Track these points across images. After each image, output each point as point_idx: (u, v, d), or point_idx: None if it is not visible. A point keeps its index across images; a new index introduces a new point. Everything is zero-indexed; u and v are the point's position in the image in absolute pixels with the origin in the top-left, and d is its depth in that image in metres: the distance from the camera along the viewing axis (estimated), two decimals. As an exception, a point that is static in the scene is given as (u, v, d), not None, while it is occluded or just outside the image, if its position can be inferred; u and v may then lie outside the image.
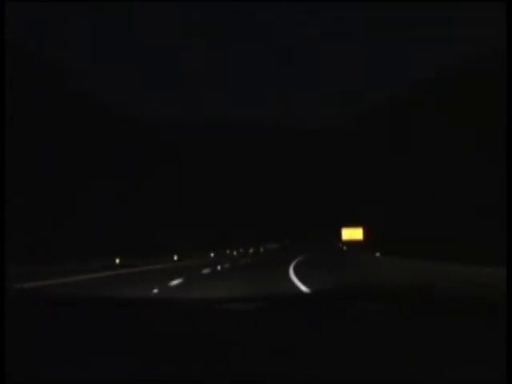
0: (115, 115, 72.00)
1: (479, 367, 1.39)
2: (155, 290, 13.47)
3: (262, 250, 71.47)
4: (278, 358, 1.48)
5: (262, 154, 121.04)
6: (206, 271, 23.64)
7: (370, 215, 56.65)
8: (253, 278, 18.36)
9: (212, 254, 50.57)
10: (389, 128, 54.46)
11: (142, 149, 74.33)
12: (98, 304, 2.33)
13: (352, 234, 57.12)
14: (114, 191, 57.51)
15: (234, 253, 59.14)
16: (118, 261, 33.76)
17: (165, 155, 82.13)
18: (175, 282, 16.51)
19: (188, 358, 1.50)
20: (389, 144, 54.92)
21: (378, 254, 30.32)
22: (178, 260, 41.27)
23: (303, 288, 13.84)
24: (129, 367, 1.44)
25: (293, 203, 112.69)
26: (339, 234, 59.41)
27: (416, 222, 40.83)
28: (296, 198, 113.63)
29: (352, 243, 53.70)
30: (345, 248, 51.10)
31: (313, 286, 13.86)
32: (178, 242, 51.37)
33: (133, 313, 2.15)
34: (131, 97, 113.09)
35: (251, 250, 66.02)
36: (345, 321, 1.90)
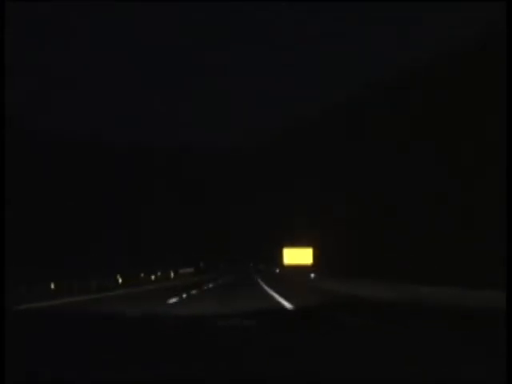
0: (115, 115, 72.15)
1: (479, 367, 1.39)
2: None
3: (172, 275, 49.15)
4: (278, 358, 1.48)
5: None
6: None
7: (322, 233, 41.36)
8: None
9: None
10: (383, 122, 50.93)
11: (141, 149, 74.46)
12: (97, 317, 2.34)
13: (298, 256, 41.13)
14: (113, 192, 57.57)
15: (120, 280, 33.24)
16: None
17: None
18: None
19: (188, 358, 1.50)
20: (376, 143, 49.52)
21: None
22: None
23: None
24: (129, 367, 1.44)
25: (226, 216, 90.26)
26: (279, 256, 43.65)
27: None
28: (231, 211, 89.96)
29: (297, 268, 39.31)
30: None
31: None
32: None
33: (133, 325, 2.16)
34: (131, 97, 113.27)
35: (153, 277, 41.38)
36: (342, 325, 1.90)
